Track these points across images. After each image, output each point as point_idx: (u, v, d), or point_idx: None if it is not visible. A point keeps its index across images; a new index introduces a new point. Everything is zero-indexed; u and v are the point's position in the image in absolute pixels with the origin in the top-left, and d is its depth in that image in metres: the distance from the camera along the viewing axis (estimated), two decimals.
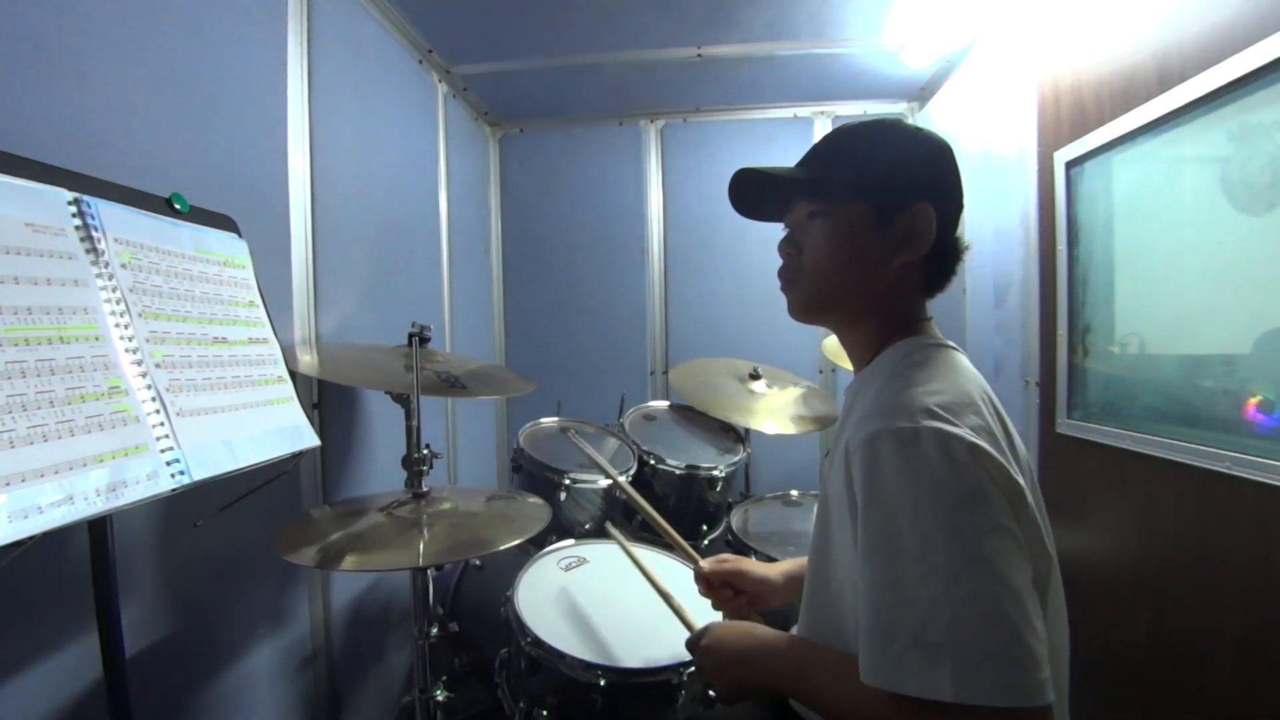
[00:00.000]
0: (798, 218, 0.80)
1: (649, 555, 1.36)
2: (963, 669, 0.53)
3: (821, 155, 0.79)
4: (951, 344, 0.76)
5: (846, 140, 0.78)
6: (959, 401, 0.63)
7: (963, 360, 0.74)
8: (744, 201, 0.85)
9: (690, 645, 0.88)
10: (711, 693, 1.05)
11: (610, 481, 1.63)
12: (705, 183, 2.56)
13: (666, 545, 1.42)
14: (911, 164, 0.76)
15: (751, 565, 1.02)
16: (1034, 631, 0.54)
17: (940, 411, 0.61)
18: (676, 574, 1.30)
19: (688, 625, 0.98)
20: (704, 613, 1.03)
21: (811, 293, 0.79)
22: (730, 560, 1.03)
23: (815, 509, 0.80)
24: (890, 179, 0.75)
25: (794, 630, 0.85)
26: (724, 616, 1.04)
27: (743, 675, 0.78)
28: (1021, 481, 0.60)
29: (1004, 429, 0.67)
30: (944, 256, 0.78)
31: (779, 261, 0.82)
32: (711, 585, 1.02)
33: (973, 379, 0.70)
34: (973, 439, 0.59)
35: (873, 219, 0.74)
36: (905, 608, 0.57)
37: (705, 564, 1.03)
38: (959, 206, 0.79)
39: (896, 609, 0.57)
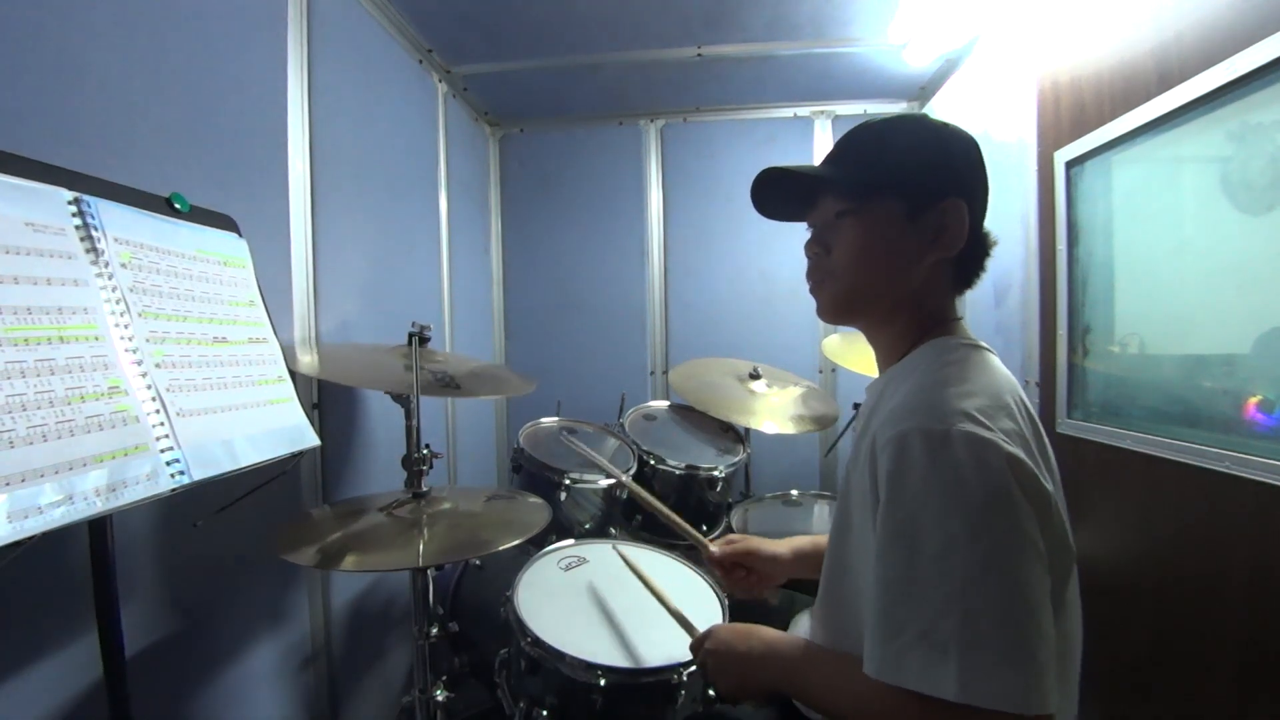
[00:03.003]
0: (824, 217, 0.78)
1: (651, 557, 1.36)
2: (968, 670, 0.53)
3: (848, 153, 0.77)
4: (984, 345, 0.74)
5: (873, 137, 0.76)
6: (992, 405, 0.62)
7: (995, 362, 0.72)
8: (765, 201, 0.83)
9: (694, 648, 0.88)
10: (711, 692, 1.05)
11: (610, 482, 1.64)
12: (705, 183, 2.54)
13: (667, 545, 1.42)
14: (941, 159, 0.74)
15: (760, 543, 1.05)
16: (1044, 641, 0.54)
17: (975, 414, 0.60)
18: (678, 575, 1.30)
19: (689, 630, 0.98)
20: (705, 616, 1.03)
21: (843, 294, 0.77)
22: (738, 540, 1.06)
23: (833, 506, 0.80)
24: (921, 175, 0.73)
25: (804, 616, 0.85)
26: (737, 594, 1.08)
27: (748, 677, 0.78)
28: (1050, 488, 0.60)
29: (1035, 431, 0.66)
30: (974, 253, 0.76)
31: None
32: (724, 568, 1.05)
33: (1005, 381, 0.69)
34: (1005, 445, 0.58)
35: (904, 217, 0.73)
36: (917, 603, 0.56)
37: (715, 548, 1.06)
38: (986, 201, 0.77)
39: (908, 603, 0.57)
